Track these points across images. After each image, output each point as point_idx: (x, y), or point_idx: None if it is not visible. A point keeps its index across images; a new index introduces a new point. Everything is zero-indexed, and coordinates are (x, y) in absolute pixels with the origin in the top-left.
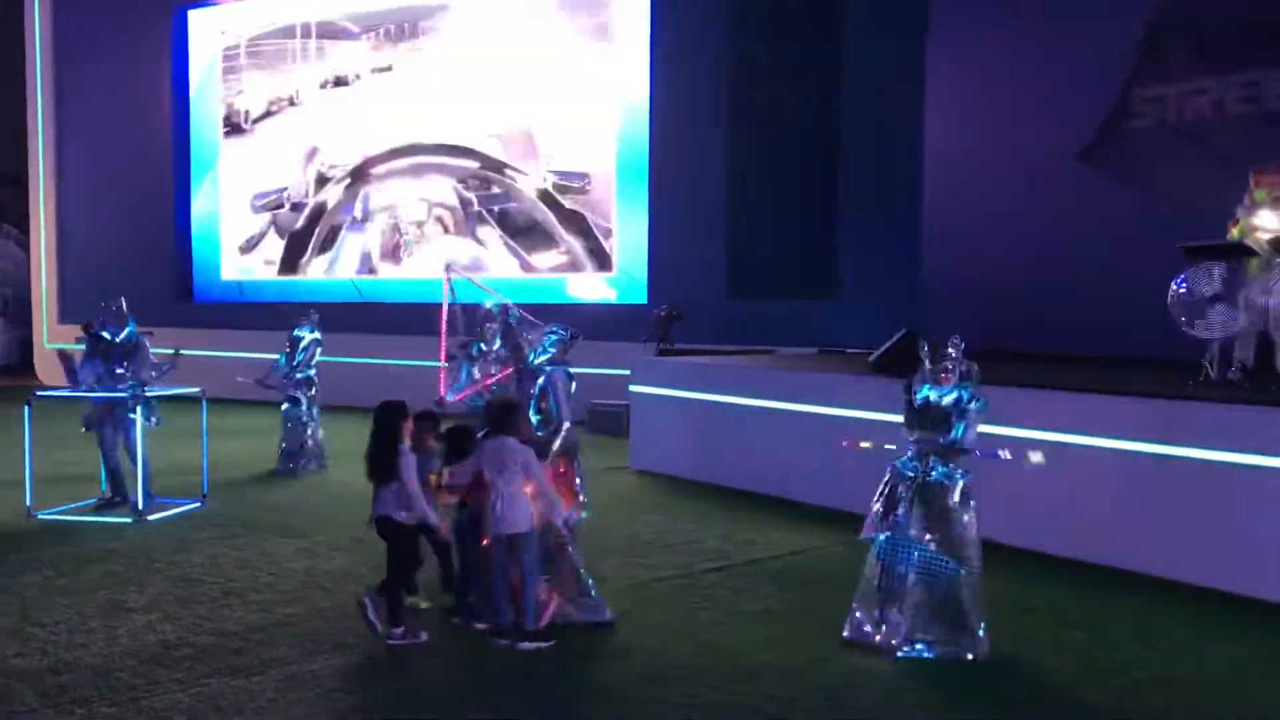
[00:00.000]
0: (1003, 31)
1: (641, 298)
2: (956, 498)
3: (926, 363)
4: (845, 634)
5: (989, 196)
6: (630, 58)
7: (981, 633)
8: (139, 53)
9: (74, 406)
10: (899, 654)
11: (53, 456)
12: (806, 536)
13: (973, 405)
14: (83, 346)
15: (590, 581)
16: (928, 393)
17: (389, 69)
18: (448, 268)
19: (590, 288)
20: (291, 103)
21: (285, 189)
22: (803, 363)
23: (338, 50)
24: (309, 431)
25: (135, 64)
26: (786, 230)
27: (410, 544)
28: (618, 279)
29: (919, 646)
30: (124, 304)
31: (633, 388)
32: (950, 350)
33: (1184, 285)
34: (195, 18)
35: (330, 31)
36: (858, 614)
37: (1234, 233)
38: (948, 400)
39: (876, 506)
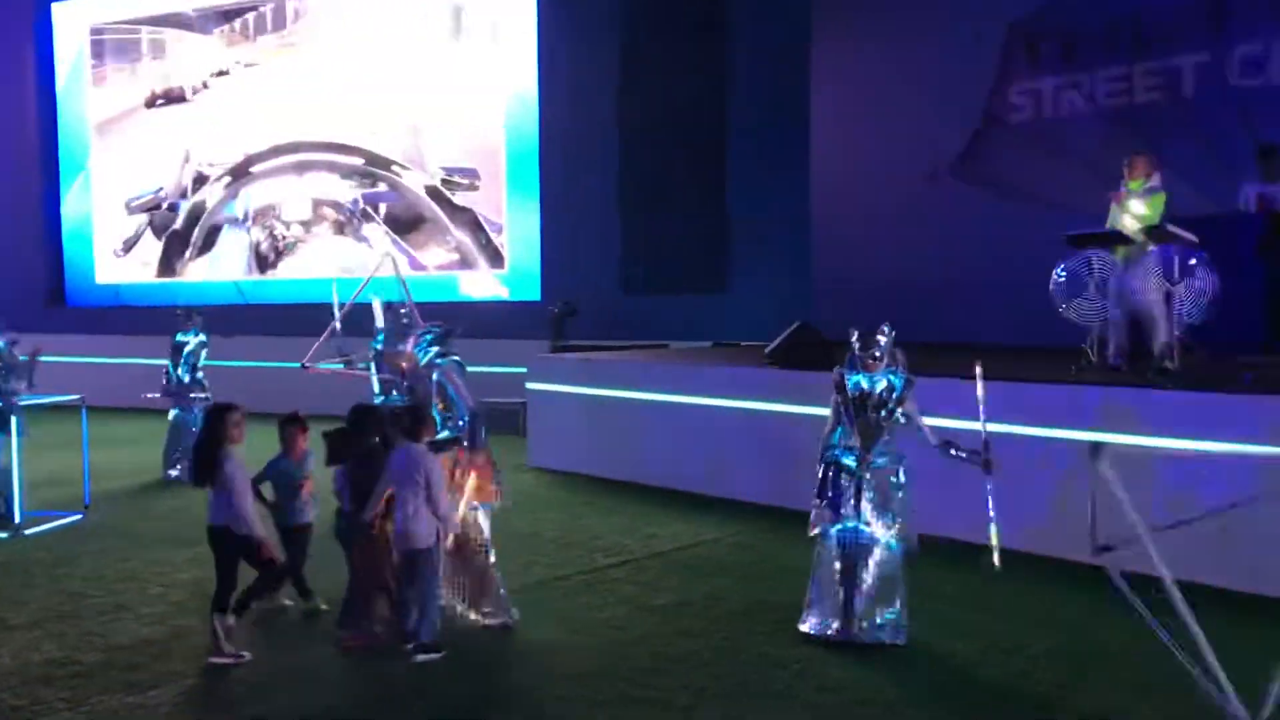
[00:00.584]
0: (884, 33)
1: (535, 294)
2: (901, 480)
3: (856, 351)
4: (803, 628)
5: (874, 193)
6: (517, 52)
7: (904, 618)
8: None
9: None
10: (869, 640)
11: None
12: (708, 528)
13: (906, 390)
14: None
15: (499, 582)
16: (859, 380)
17: (255, 65)
18: (387, 255)
19: (482, 285)
20: (166, 99)
21: (161, 189)
22: (698, 357)
23: (200, 45)
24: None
25: None
26: (678, 226)
27: (250, 552)
28: (510, 276)
29: (877, 634)
30: None
31: (530, 385)
32: (879, 338)
33: (1064, 273)
34: (59, 11)
35: (187, 23)
36: (817, 609)
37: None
38: (880, 387)
39: (819, 500)
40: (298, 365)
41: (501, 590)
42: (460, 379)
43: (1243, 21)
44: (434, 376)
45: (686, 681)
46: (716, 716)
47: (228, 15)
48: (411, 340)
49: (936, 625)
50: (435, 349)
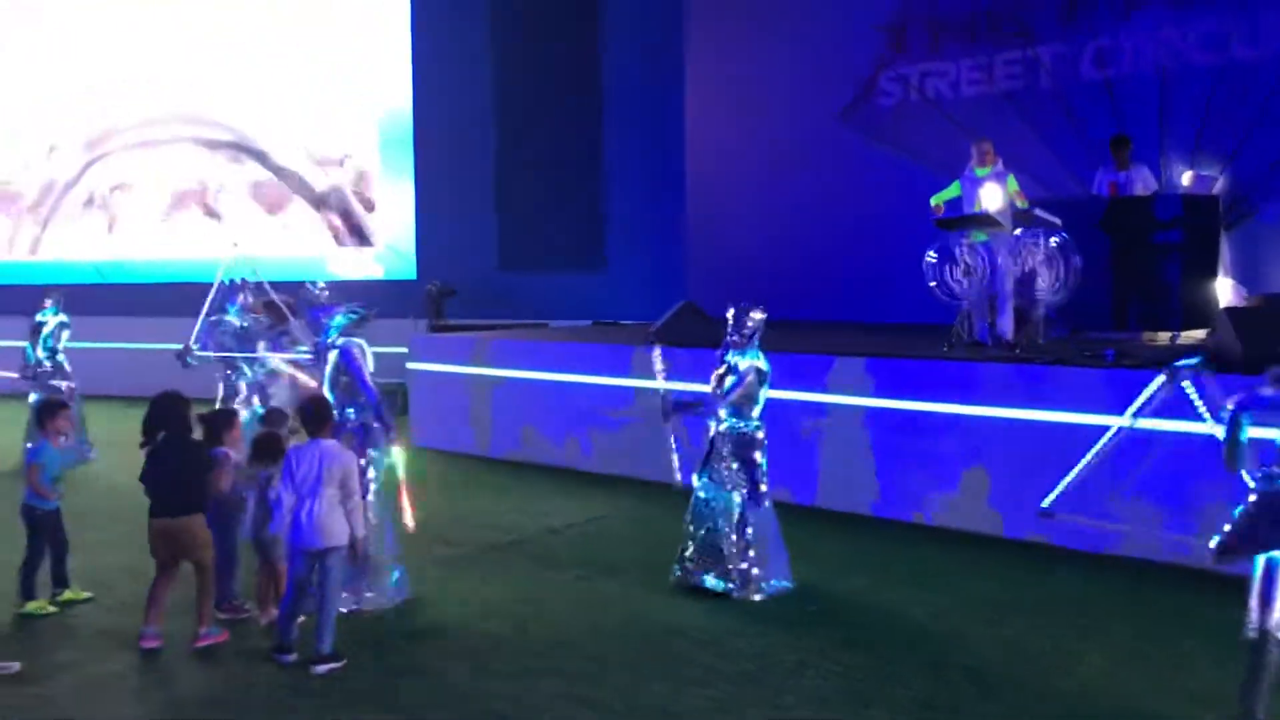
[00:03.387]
0: (758, 15)
1: (409, 274)
2: (744, 445)
3: (730, 327)
4: (672, 580)
5: (749, 172)
6: (391, 27)
7: (784, 569)
8: None
9: None
10: (708, 587)
11: None
12: (599, 504)
13: (742, 364)
14: None
15: (393, 565)
16: (730, 357)
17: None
18: (234, 245)
19: (354, 264)
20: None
21: (12, 162)
22: (580, 335)
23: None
24: None
25: None
26: (555, 204)
27: None
28: (383, 255)
29: (768, 585)
30: None
31: (411, 365)
32: (747, 318)
33: (935, 253)
34: None
35: None
36: (686, 563)
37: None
38: (736, 361)
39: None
40: (161, 346)
41: (396, 572)
42: (365, 364)
43: (1095, 16)
44: (334, 358)
45: (590, 653)
46: (622, 685)
47: None
48: (327, 315)
49: (822, 586)
50: (344, 323)
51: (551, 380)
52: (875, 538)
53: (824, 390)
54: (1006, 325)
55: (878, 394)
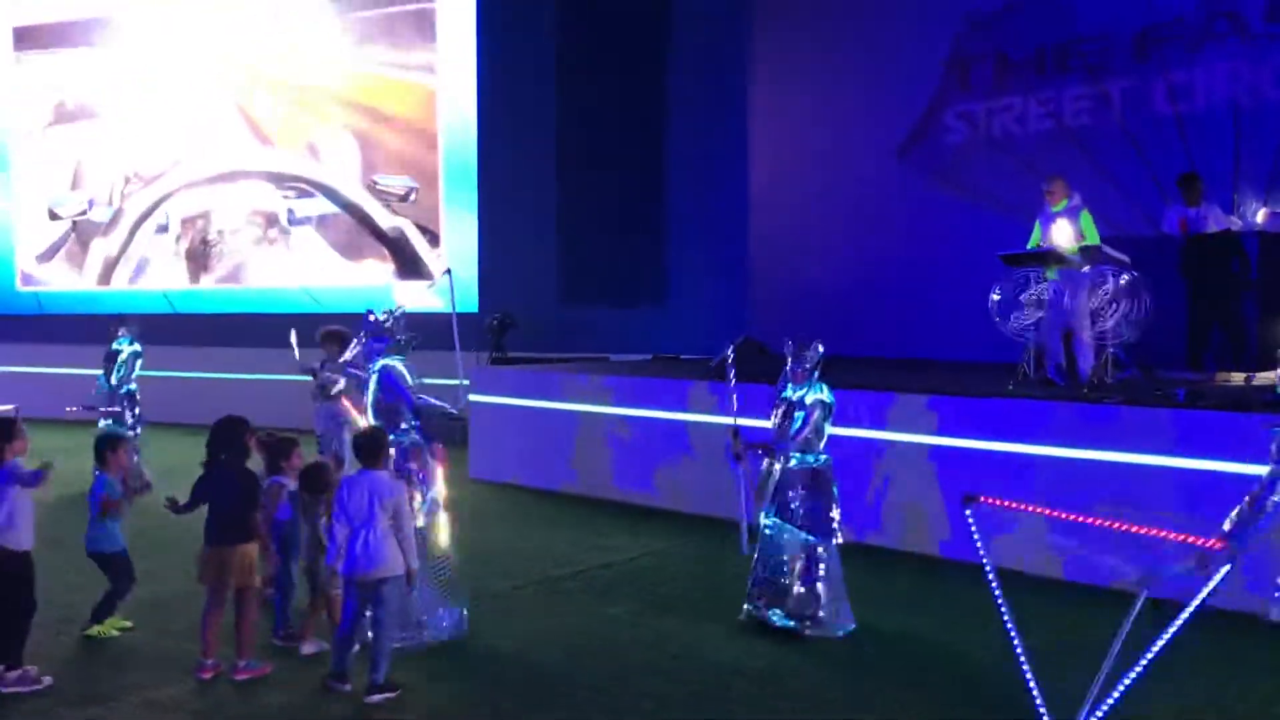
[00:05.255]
0: (820, 52)
1: (471, 306)
2: (813, 480)
3: (790, 362)
4: (741, 616)
5: (812, 206)
6: (455, 62)
7: (847, 609)
8: None
9: None
10: (776, 624)
11: None
12: (655, 539)
13: (808, 399)
14: None
15: (448, 597)
16: (787, 392)
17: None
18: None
19: (417, 296)
20: (87, 107)
21: (88, 194)
22: (640, 369)
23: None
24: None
25: None
26: (616, 238)
27: (22, 571)
28: (445, 288)
29: (785, 620)
30: None
31: (472, 397)
32: (808, 352)
33: (1000, 290)
34: None
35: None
36: (754, 599)
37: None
38: (799, 395)
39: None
40: (230, 377)
41: (451, 604)
42: (405, 377)
43: (1167, 51)
44: (374, 381)
45: (647, 689)
46: None
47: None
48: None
49: (883, 624)
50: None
51: (609, 414)
52: (940, 579)
53: (885, 428)
54: (1085, 365)
55: (940, 432)
